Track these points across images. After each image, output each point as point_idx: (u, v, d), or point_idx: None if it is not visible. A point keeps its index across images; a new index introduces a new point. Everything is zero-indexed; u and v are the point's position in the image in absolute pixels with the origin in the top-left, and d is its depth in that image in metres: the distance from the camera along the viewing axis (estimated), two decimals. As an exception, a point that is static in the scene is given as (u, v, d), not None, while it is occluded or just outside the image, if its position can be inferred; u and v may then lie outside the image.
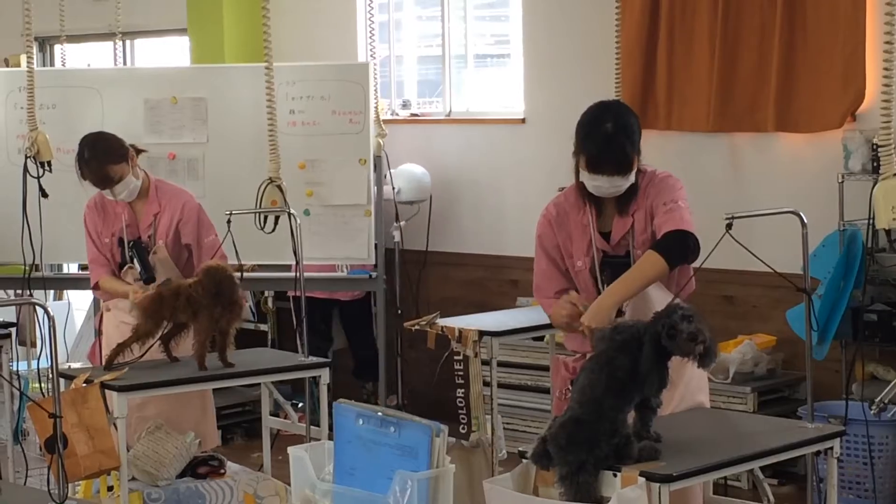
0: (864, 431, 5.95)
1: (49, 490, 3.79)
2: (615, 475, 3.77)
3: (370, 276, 8.02)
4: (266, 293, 8.69)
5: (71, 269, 8.85)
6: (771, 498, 4.48)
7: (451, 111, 8.65)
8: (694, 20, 7.31)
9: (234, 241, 5.59)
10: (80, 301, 9.41)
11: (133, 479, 5.47)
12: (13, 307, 7.57)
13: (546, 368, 7.09)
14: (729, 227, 4.22)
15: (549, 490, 3.91)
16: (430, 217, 8.43)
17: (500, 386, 6.66)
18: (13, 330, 6.51)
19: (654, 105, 7.47)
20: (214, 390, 6.10)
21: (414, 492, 3.61)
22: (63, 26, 8.66)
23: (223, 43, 9.01)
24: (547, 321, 4.82)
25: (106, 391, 5.18)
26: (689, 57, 7.34)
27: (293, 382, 7.81)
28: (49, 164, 6.91)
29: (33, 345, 8.12)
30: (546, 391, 7.26)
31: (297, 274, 5.88)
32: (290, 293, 6.62)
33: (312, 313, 8.19)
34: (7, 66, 9.76)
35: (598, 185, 4.47)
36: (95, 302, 7.40)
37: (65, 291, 9.64)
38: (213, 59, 8.96)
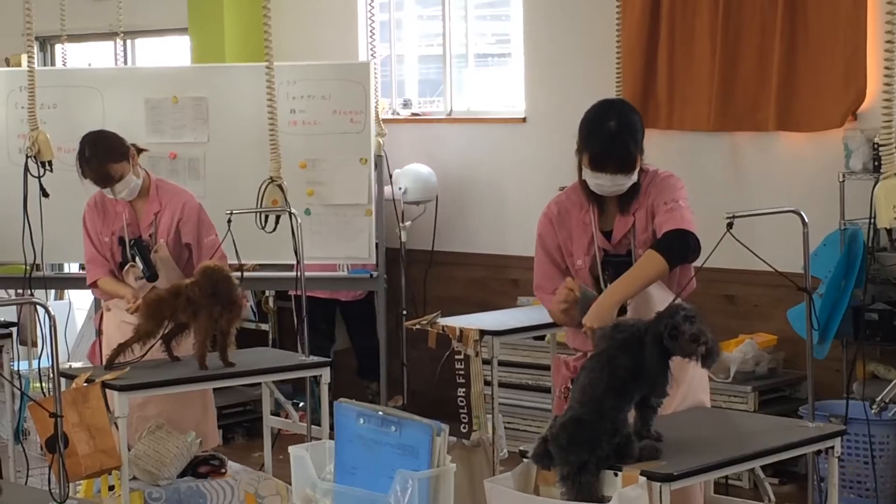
0: (865, 431, 5.95)
1: (50, 489, 3.79)
2: (616, 474, 3.77)
3: (371, 275, 8.02)
4: (267, 293, 8.70)
5: (72, 268, 8.85)
6: (772, 497, 4.49)
7: (451, 111, 8.65)
8: (695, 19, 7.31)
9: (234, 241, 5.59)
10: (80, 300, 9.41)
11: (134, 478, 5.47)
12: (14, 307, 7.56)
13: (547, 368, 7.10)
14: (730, 226, 4.22)
15: (550, 490, 3.91)
16: (437, 217, 8.42)
17: (501, 385, 6.67)
18: (14, 329, 6.51)
19: (655, 104, 7.47)
20: (215, 390, 6.10)
21: (415, 491, 3.61)
22: (64, 26, 8.67)
23: (224, 42, 9.01)
24: (548, 320, 4.82)
25: (107, 391, 5.18)
26: (690, 56, 7.34)
27: (294, 382, 7.81)
28: (50, 163, 6.92)
29: (34, 344, 8.12)
30: (547, 390, 7.27)
31: (298, 273, 5.88)
32: (292, 293, 6.63)
33: (314, 313, 8.20)
34: (8, 65, 9.76)
35: (601, 183, 4.46)
36: (96, 301, 7.40)
37: (66, 291, 9.64)
38: (213, 58, 8.96)
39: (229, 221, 5.65)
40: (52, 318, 3.76)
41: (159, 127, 8.04)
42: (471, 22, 8.68)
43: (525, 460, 3.98)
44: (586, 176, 4.50)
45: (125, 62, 9.43)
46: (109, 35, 9.63)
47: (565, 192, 4.67)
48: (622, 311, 4.32)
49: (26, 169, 6.98)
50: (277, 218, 6.22)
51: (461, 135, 8.51)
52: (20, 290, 7.83)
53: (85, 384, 5.17)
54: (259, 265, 7.95)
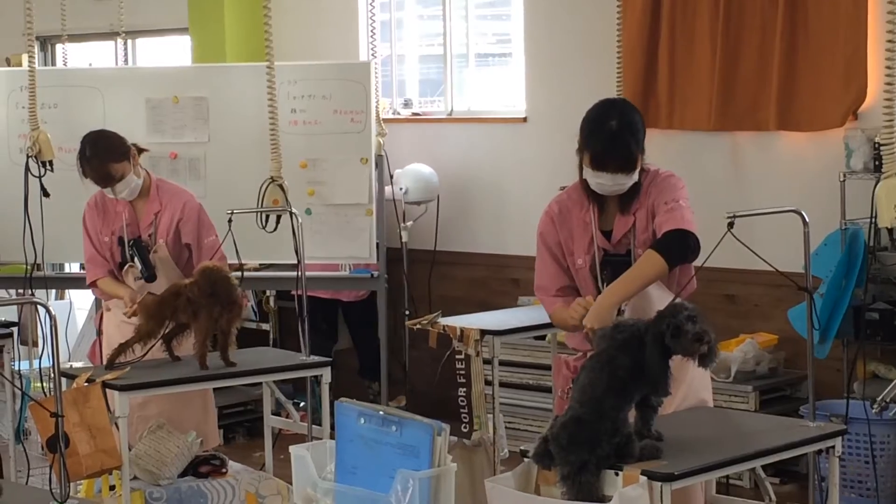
0: (866, 430, 5.95)
1: (51, 489, 3.79)
2: (617, 474, 3.77)
3: (372, 275, 8.02)
4: (268, 292, 8.70)
5: (73, 268, 8.85)
6: (773, 496, 4.49)
7: (452, 110, 8.65)
8: (695, 19, 7.31)
9: (234, 241, 5.59)
10: (81, 300, 9.41)
11: (135, 478, 5.48)
12: (15, 306, 7.57)
13: (547, 367, 7.10)
14: (730, 225, 4.22)
15: (550, 489, 3.91)
16: (439, 217, 8.42)
17: (502, 385, 6.67)
18: (15, 329, 6.51)
19: (656, 104, 7.47)
20: (216, 389, 6.11)
21: (415, 491, 3.61)
22: (64, 26, 8.67)
23: (224, 42, 9.01)
24: (548, 320, 4.82)
25: (107, 390, 5.18)
26: (691, 56, 7.34)
27: (295, 381, 7.81)
28: (50, 163, 6.92)
29: (35, 344, 8.13)
30: (548, 390, 7.27)
31: (299, 273, 5.88)
32: (294, 292, 6.62)
33: (316, 313, 8.21)
34: (9, 65, 9.76)
35: (602, 182, 4.47)
36: (96, 301, 7.40)
37: (66, 291, 9.65)
38: (214, 58, 8.96)
39: (230, 221, 5.65)
40: (52, 318, 3.76)
41: (160, 127, 8.04)
42: (471, 21, 8.68)
43: (526, 460, 3.98)
44: (587, 175, 4.50)
45: (126, 62, 9.43)
46: (110, 35, 9.64)
47: (566, 192, 4.67)
48: (619, 311, 4.32)
49: (27, 169, 6.99)
50: (278, 218, 6.22)
51: (462, 135, 8.51)
52: (21, 290, 7.83)
53: (86, 384, 5.17)
54: (262, 265, 7.96)
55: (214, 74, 8.22)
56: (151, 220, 6.05)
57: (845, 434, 4.50)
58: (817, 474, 5.18)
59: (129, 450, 5.35)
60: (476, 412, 6.05)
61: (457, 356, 6.05)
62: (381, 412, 3.80)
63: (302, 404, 7.59)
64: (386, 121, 8.16)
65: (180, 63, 9.53)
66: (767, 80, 7.05)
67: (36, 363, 7.80)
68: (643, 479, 3.72)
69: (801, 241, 4.48)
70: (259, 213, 6.22)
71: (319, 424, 5.81)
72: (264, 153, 6.53)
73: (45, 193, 6.99)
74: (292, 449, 4.09)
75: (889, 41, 4.95)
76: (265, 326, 8.72)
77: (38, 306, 3.97)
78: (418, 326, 6.24)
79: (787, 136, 7.12)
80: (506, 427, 6.56)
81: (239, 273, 5.73)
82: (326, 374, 5.71)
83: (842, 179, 6.55)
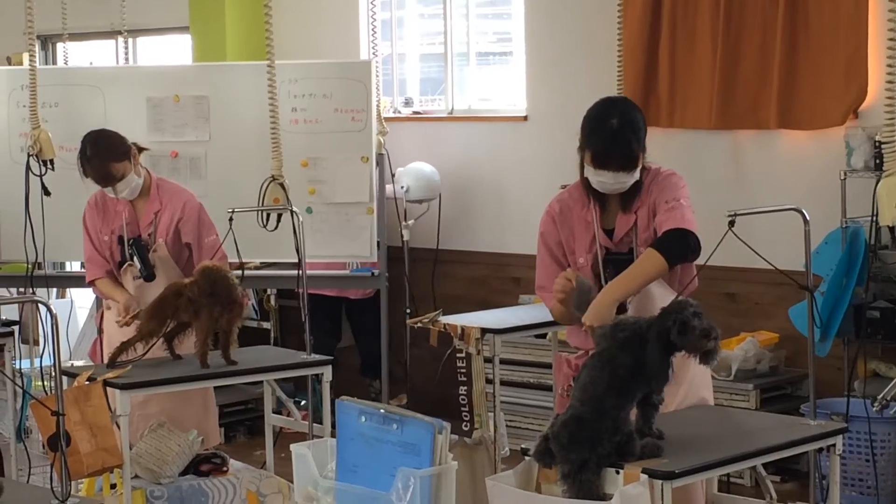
0: (867, 428, 5.95)
1: (52, 488, 3.79)
2: (618, 472, 3.77)
3: (372, 273, 8.02)
4: (269, 291, 8.70)
5: (73, 267, 8.85)
6: (773, 495, 4.49)
7: (453, 109, 8.65)
8: (696, 18, 7.31)
9: (235, 240, 5.59)
10: (82, 299, 9.42)
11: (136, 476, 5.48)
12: (16, 305, 7.57)
13: (548, 366, 7.10)
14: (731, 224, 4.22)
15: (551, 487, 3.91)
16: (440, 215, 8.42)
17: (503, 383, 6.68)
18: (16, 328, 6.52)
19: (657, 103, 7.47)
20: (217, 388, 6.11)
21: (416, 489, 3.61)
22: (65, 24, 8.67)
23: (225, 41, 9.02)
24: (549, 319, 4.82)
25: (108, 389, 5.18)
26: (692, 54, 7.34)
27: (296, 380, 7.81)
28: (51, 162, 6.92)
29: (36, 343, 8.13)
30: (548, 389, 7.27)
31: (300, 272, 5.88)
32: (297, 290, 6.62)
33: (320, 311, 8.22)
34: (9, 64, 9.76)
35: (603, 180, 4.46)
36: (97, 300, 7.40)
37: (67, 289, 9.65)
38: (215, 57, 8.97)
39: (231, 220, 5.65)
40: (53, 317, 3.76)
41: (161, 126, 8.04)
42: (472, 20, 8.69)
43: (526, 458, 3.98)
44: (588, 174, 4.50)
45: (126, 61, 9.43)
46: (111, 34, 9.64)
47: (567, 190, 4.67)
48: (622, 309, 4.32)
49: (28, 167, 6.99)
50: (279, 216, 6.22)
51: (462, 133, 8.51)
52: (22, 289, 7.83)
53: (87, 382, 5.17)
54: (262, 264, 7.97)
55: (215, 73, 8.22)
56: (151, 220, 6.04)
57: (846, 432, 4.49)
58: (818, 472, 5.18)
59: (130, 448, 5.36)
60: (477, 410, 6.05)
61: (458, 354, 6.05)
62: (381, 410, 3.80)
63: (303, 403, 7.60)
64: (387, 119, 8.17)
65: (181, 62, 9.53)
66: (768, 79, 7.05)
67: (37, 362, 7.81)
68: (644, 477, 3.72)
69: (801, 239, 4.48)
70: (260, 212, 6.23)
71: (320, 423, 5.81)
72: (265, 152, 6.53)
73: (46, 192, 6.99)
74: (293, 447, 4.09)
75: (890, 39, 4.95)
76: (266, 325, 8.73)
77: (39, 305, 3.97)
78: (419, 325, 6.24)
79: (788, 135, 7.13)
80: (507, 425, 6.56)
81: (240, 272, 5.73)
82: (327, 373, 5.71)
83: (842, 178, 6.55)
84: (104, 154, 5.92)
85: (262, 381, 6.03)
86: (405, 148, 8.45)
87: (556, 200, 4.67)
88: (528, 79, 8.21)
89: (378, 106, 7.99)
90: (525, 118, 8.22)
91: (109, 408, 5.13)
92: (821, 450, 4.37)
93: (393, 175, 8.21)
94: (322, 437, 5.43)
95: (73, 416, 4.99)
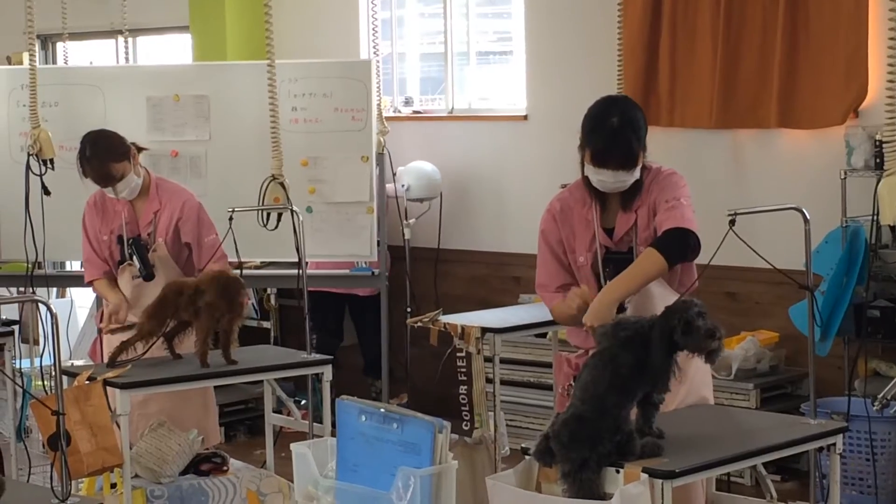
0: (867, 428, 5.95)
1: (52, 487, 3.79)
2: (618, 472, 3.77)
3: (373, 273, 8.02)
4: (269, 290, 8.70)
5: (73, 266, 8.85)
6: (773, 494, 4.49)
7: (453, 108, 8.65)
8: (696, 17, 7.31)
9: (234, 239, 5.59)
10: (82, 298, 9.42)
11: (136, 476, 5.48)
12: (16, 305, 7.57)
13: (549, 365, 7.10)
14: (732, 223, 4.22)
15: (551, 487, 3.91)
16: (442, 214, 8.42)
17: (503, 383, 6.67)
18: (16, 327, 6.52)
19: (657, 102, 7.47)
20: (217, 387, 6.11)
21: (417, 488, 3.62)
22: (65, 24, 8.67)
23: (225, 40, 9.01)
24: (549, 318, 4.82)
25: (108, 388, 5.18)
26: (692, 53, 7.34)
27: (296, 379, 7.81)
28: (51, 161, 6.92)
29: (36, 342, 8.12)
30: (549, 388, 7.27)
31: (300, 271, 5.88)
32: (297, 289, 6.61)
33: (325, 309, 8.22)
34: (9, 63, 9.76)
35: (603, 179, 4.47)
36: (97, 299, 7.40)
37: (67, 289, 9.66)
38: (215, 56, 8.96)
39: (231, 219, 5.65)
40: (53, 316, 3.76)
41: (161, 125, 8.04)
42: (472, 20, 8.69)
43: (527, 457, 3.98)
44: (589, 172, 4.50)
45: (126, 60, 9.43)
46: (111, 33, 9.64)
47: (568, 189, 4.67)
48: (620, 308, 4.32)
49: (28, 167, 6.99)
50: (279, 215, 6.22)
51: (463, 133, 8.51)
52: (22, 288, 7.83)
53: (87, 382, 5.17)
54: (262, 263, 7.96)
55: (215, 73, 8.22)
56: (151, 219, 6.04)
57: (846, 431, 4.49)
58: (818, 471, 5.18)
59: (131, 448, 5.35)
60: (477, 410, 6.05)
61: (458, 354, 6.05)
62: (382, 410, 3.80)
63: (303, 402, 7.60)
64: (387, 119, 8.17)
65: (181, 61, 9.53)
66: (768, 78, 7.05)
67: (37, 361, 7.81)
68: (644, 476, 3.72)
69: (801, 238, 4.48)
70: (260, 211, 6.22)
71: (321, 422, 5.81)
72: (265, 151, 6.53)
73: (46, 192, 6.99)
74: (293, 447, 4.09)
75: (890, 38, 4.95)
76: (266, 324, 8.73)
77: (40, 304, 3.97)
78: (419, 324, 6.24)
79: (788, 134, 7.12)
80: (507, 425, 6.56)
81: (239, 271, 5.73)
82: (327, 372, 5.71)
83: (843, 177, 6.55)
84: (103, 154, 5.92)
85: (262, 381, 6.03)
86: (405, 147, 8.45)
87: (557, 199, 4.67)
88: (528, 78, 8.21)
89: (379, 105, 7.99)
90: (525, 117, 8.22)
91: (109, 407, 5.13)
92: (821, 449, 4.37)
93: (394, 174, 8.21)
94: (322, 436, 5.43)
95: (74, 415, 4.99)
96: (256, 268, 8.00)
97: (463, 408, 6.06)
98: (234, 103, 7.97)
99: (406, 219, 8.27)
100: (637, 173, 4.48)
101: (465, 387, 6.03)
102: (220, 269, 5.64)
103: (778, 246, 5.07)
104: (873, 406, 5.58)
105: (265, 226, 6.24)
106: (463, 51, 8.69)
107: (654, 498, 3.72)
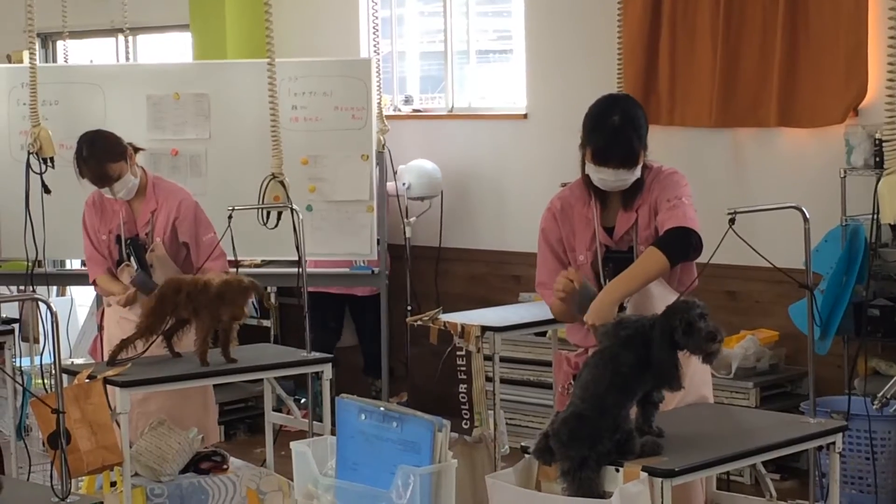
0: (867, 426, 5.95)
1: (52, 486, 3.79)
2: (617, 470, 3.77)
3: (373, 271, 8.02)
4: (269, 289, 8.70)
5: (74, 264, 8.85)
6: (773, 492, 4.49)
7: (453, 107, 8.65)
8: (696, 16, 7.31)
9: (232, 238, 5.59)
10: (82, 297, 9.42)
11: (136, 474, 5.48)
12: (16, 303, 7.57)
13: (548, 364, 7.11)
14: (732, 222, 4.22)
15: (551, 485, 3.91)
16: (442, 213, 8.42)
17: (503, 381, 6.67)
18: (16, 326, 6.52)
19: (657, 100, 7.47)
20: (217, 386, 6.11)
21: (416, 487, 3.62)
22: (65, 22, 8.67)
23: (225, 39, 9.02)
24: (549, 317, 4.82)
25: (108, 387, 5.18)
26: (692, 52, 7.34)
27: (296, 378, 7.81)
28: (51, 160, 6.92)
29: (36, 341, 8.13)
30: (548, 387, 7.27)
31: (300, 270, 5.88)
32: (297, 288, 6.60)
33: (324, 309, 8.21)
34: (9, 62, 9.76)
35: (604, 178, 4.47)
36: (97, 298, 7.41)
37: (67, 287, 9.65)
38: (215, 55, 8.97)
39: (230, 217, 5.65)
40: (53, 315, 3.76)
41: (161, 123, 8.04)
42: (472, 18, 8.69)
43: (526, 456, 3.98)
44: (589, 171, 4.50)
45: (127, 59, 9.43)
46: (111, 32, 9.64)
47: (569, 188, 4.67)
48: (620, 307, 4.32)
49: (28, 165, 7.00)
50: (279, 214, 6.22)
51: (463, 131, 8.51)
52: (22, 287, 7.83)
53: (87, 380, 5.17)
54: (262, 261, 7.96)
55: (215, 71, 8.22)
56: (148, 219, 6.04)
57: (846, 430, 4.50)
58: (818, 470, 5.18)
59: (130, 446, 5.35)
60: (477, 408, 6.05)
61: (458, 353, 6.05)
62: (381, 408, 3.80)
63: (303, 400, 7.60)
64: (387, 117, 8.17)
65: (181, 60, 9.53)
66: (768, 77, 7.05)
67: (37, 360, 7.81)
68: (644, 475, 3.72)
69: (801, 237, 4.48)
70: (260, 210, 6.23)
71: (320, 421, 5.81)
72: (265, 150, 6.53)
73: (46, 190, 6.99)
74: (293, 445, 4.09)
75: (890, 38, 4.95)
76: (266, 323, 8.73)
77: (40, 303, 3.97)
78: (419, 323, 6.24)
79: (788, 133, 7.13)
80: (506, 423, 6.56)
81: (236, 269, 5.73)
82: (327, 371, 5.71)
83: (842, 176, 6.55)
84: (101, 155, 5.92)
85: (262, 379, 6.03)
86: (405, 146, 8.45)
87: (558, 197, 4.67)
88: (528, 77, 8.21)
89: (379, 104, 7.99)
90: (525, 116, 8.22)
91: (109, 405, 5.13)
92: (820, 448, 4.38)
93: (394, 173, 8.21)
94: (322, 434, 5.44)
95: (74, 413, 4.99)
96: (256, 266, 8.00)
97: (463, 406, 6.07)
98: (235, 102, 7.97)
99: (406, 217, 8.27)
100: (638, 172, 4.48)
101: (465, 385, 6.04)
102: (234, 275, 5.60)
103: (778, 245, 5.07)
104: (873, 405, 5.58)
105: (265, 224, 6.24)
106: (463, 49, 8.70)
107: (653, 497, 3.72)
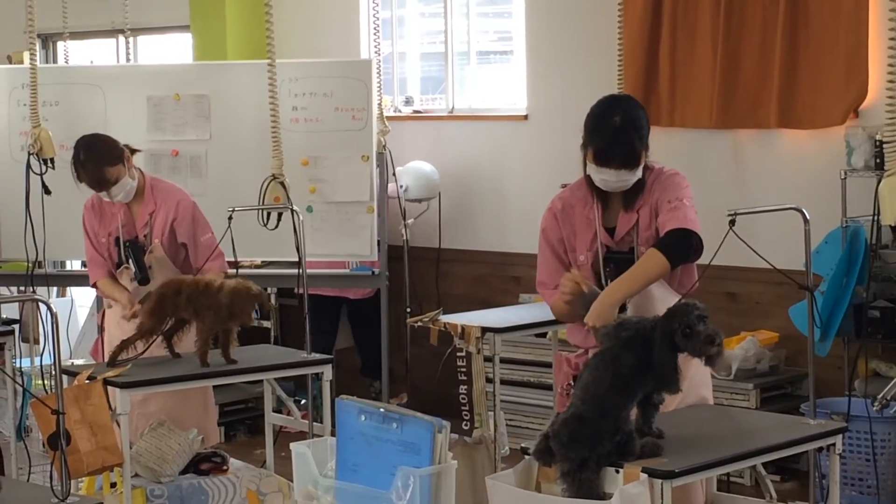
0: (867, 428, 5.95)
1: (52, 486, 3.79)
2: (617, 471, 3.77)
3: (373, 272, 8.02)
4: (269, 290, 8.69)
5: (74, 265, 8.85)
6: (773, 494, 4.49)
7: (453, 108, 8.65)
8: (696, 16, 7.31)
9: (232, 238, 5.59)
10: (83, 298, 9.42)
11: (136, 475, 5.48)
12: (16, 304, 7.57)
13: (549, 365, 7.10)
14: (732, 223, 4.22)
15: (551, 486, 3.91)
16: (441, 214, 8.42)
17: (503, 382, 6.68)
18: (16, 327, 6.52)
19: (657, 102, 7.46)
20: (217, 387, 6.11)
21: (416, 488, 3.62)
22: (66, 23, 8.66)
23: (226, 40, 9.02)
24: (550, 317, 4.82)
25: (108, 387, 5.18)
26: (692, 53, 7.34)
27: (296, 379, 7.81)
28: (52, 160, 6.92)
29: (36, 341, 8.13)
30: (549, 388, 7.27)
31: (300, 271, 5.88)
32: (297, 290, 6.60)
33: (320, 311, 8.20)
34: (10, 62, 9.76)
35: (605, 178, 4.47)
36: (98, 299, 7.41)
37: (68, 288, 9.66)
38: (215, 55, 8.97)
39: (230, 218, 5.65)
40: (53, 315, 3.76)
41: (161, 124, 8.04)
42: (473, 19, 8.69)
43: (526, 457, 3.98)
44: (591, 171, 4.50)
45: (127, 59, 9.44)
46: (112, 32, 9.64)
47: (570, 188, 4.68)
48: (622, 308, 4.32)
49: (28, 166, 7.00)
50: (279, 215, 6.22)
51: (463, 132, 8.51)
52: (22, 288, 7.83)
53: (87, 381, 5.17)
54: (262, 262, 7.96)
55: (216, 72, 8.22)
56: (146, 221, 6.04)
57: (846, 432, 4.50)
58: (818, 472, 5.18)
59: (130, 447, 5.36)
60: (477, 409, 6.05)
61: (458, 353, 6.05)
62: (381, 409, 3.80)
63: (303, 402, 7.60)
64: (387, 118, 8.16)
65: (182, 61, 9.53)
66: (768, 78, 7.05)
67: (37, 360, 7.81)
68: (644, 476, 3.72)
69: (801, 238, 4.48)
70: (260, 211, 6.23)
71: (320, 422, 5.81)
72: (266, 151, 6.53)
73: (47, 191, 6.99)
74: (293, 446, 4.09)
75: (891, 38, 4.94)
76: (266, 324, 8.72)
77: (40, 304, 3.97)
78: (419, 324, 6.24)
79: (788, 134, 7.13)
80: (507, 424, 6.57)
81: (235, 270, 5.73)
82: (327, 372, 5.71)
83: (843, 177, 6.55)
84: (98, 158, 5.91)
85: (262, 380, 6.03)
86: (406, 147, 8.45)
87: (559, 198, 4.67)
88: (528, 78, 8.22)
89: (380, 105, 7.99)
90: (525, 117, 8.22)
91: (109, 406, 5.13)
92: (821, 449, 4.37)
93: (394, 174, 8.21)
94: (322, 436, 5.44)
95: (74, 414, 4.99)
96: (256, 267, 8.00)
97: (463, 407, 6.07)
98: (235, 103, 7.97)
99: (405, 219, 8.27)
100: (639, 172, 4.48)
101: (465, 386, 6.04)
102: (240, 281, 5.57)
103: (778, 246, 5.07)
104: (873, 406, 5.57)
105: (265, 225, 6.24)
106: (463, 50, 8.70)
107: (653, 498, 3.72)
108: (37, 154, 6.91)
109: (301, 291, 5.93)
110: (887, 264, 6.48)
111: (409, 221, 8.26)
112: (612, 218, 4.58)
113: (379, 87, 8.05)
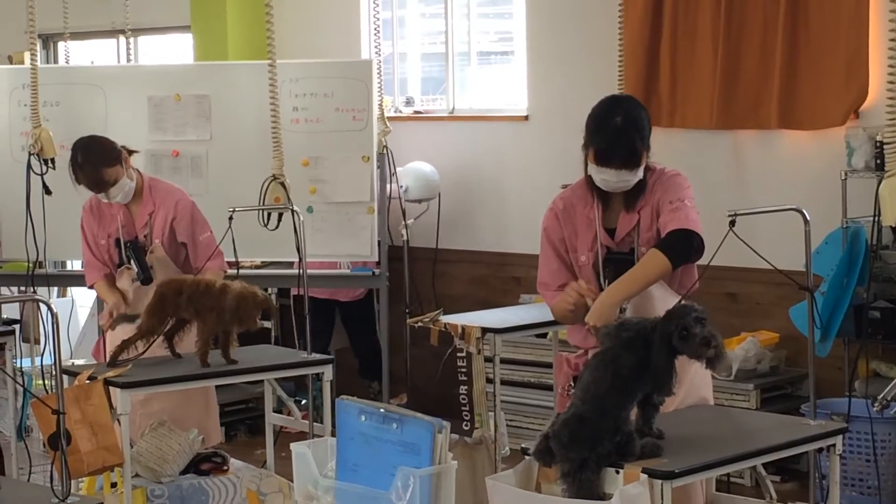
0: (867, 428, 5.95)
1: (52, 486, 3.79)
2: (617, 472, 3.77)
3: (373, 273, 8.02)
4: (269, 290, 8.69)
5: (74, 265, 8.85)
6: (773, 494, 4.49)
7: (454, 109, 8.65)
8: (697, 17, 7.31)
9: (233, 238, 5.59)
10: (83, 298, 9.41)
11: (136, 475, 5.48)
12: (17, 304, 7.57)
13: (549, 365, 7.10)
14: (732, 224, 4.22)
15: (551, 487, 3.91)
16: (441, 215, 8.42)
17: (503, 383, 6.67)
18: (17, 327, 6.52)
19: (658, 102, 7.47)
20: (218, 387, 6.11)
21: (416, 488, 3.62)
22: (67, 23, 8.66)
23: (227, 40, 9.02)
24: (550, 318, 4.82)
25: (109, 388, 5.18)
26: (693, 54, 7.34)
27: (296, 379, 7.81)
28: (52, 160, 6.93)
29: (37, 341, 8.13)
30: (549, 388, 7.27)
31: (300, 271, 5.88)
32: (293, 291, 6.60)
33: (314, 314, 8.19)
34: (11, 62, 9.76)
35: (606, 178, 4.47)
36: (99, 300, 7.41)
37: (68, 288, 9.65)
38: (216, 56, 8.97)
39: (231, 219, 5.65)
40: (54, 316, 3.76)
41: (162, 125, 8.04)
42: (473, 20, 8.69)
43: (527, 457, 3.98)
44: (592, 171, 4.50)
45: (128, 60, 9.44)
46: (112, 33, 9.64)
47: (571, 188, 4.68)
48: (622, 309, 4.32)
49: (29, 166, 7.00)
50: (280, 215, 6.22)
51: (464, 133, 8.51)
52: (23, 288, 7.83)
53: (87, 381, 5.17)
54: (262, 263, 7.95)
55: (216, 72, 8.22)
56: (146, 221, 6.04)
57: (846, 432, 4.50)
58: (818, 472, 5.18)
59: (131, 447, 5.36)
60: (477, 410, 6.05)
61: (458, 354, 6.05)
62: (381, 410, 3.81)
63: (303, 402, 7.60)
64: (388, 119, 8.17)
65: (182, 61, 9.54)
66: (769, 79, 7.05)
67: (38, 360, 7.81)
68: (644, 476, 3.73)
69: (802, 239, 4.48)
70: (261, 211, 6.23)
71: (321, 422, 5.81)
72: (266, 151, 6.53)
73: (47, 191, 7.00)
74: (293, 446, 4.09)
75: (891, 39, 4.95)
76: (267, 324, 8.71)
77: (40, 304, 3.97)
78: (420, 324, 6.25)
79: (789, 135, 7.13)
80: (507, 425, 6.57)
81: (236, 271, 5.73)
82: (328, 372, 5.71)
83: (843, 178, 6.56)
84: (96, 160, 5.92)
85: (262, 381, 6.03)
86: (406, 147, 8.45)
87: (560, 198, 4.68)
88: (529, 78, 8.22)
89: (380, 105, 7.99)
90: (526, 118, 8.22)
91: (110, 406, 5.13)
92: (821, 450, 4.37)
93: (394, 175, 8.21)
94: (322, 436, 5.44)
95: (74, 414, 5.00)
96: (256, 267, 8.00)
97: (463, 408, 6.07)
98: (235, 103, 7.97)
99: (406, 219, 8.26)
100: (640, 173, 4.49)
101: (466, 387, 6.04)
102: (247, 286, 5.56)
103: (778, 247, 5.07)
104: (873, 407, 5.57)
105: (266, 226, 6.24)
106: (464, 51, 8.70)
107: (653, 498, 3.72)
108: (37, 154, 6.92)
109: (300, 292, 5.93)
110: (888, 265, 6.48)
111: (410, 222, 8.26)
112: (613, 218, 4.58)
113: (379, 87, 8.06)
